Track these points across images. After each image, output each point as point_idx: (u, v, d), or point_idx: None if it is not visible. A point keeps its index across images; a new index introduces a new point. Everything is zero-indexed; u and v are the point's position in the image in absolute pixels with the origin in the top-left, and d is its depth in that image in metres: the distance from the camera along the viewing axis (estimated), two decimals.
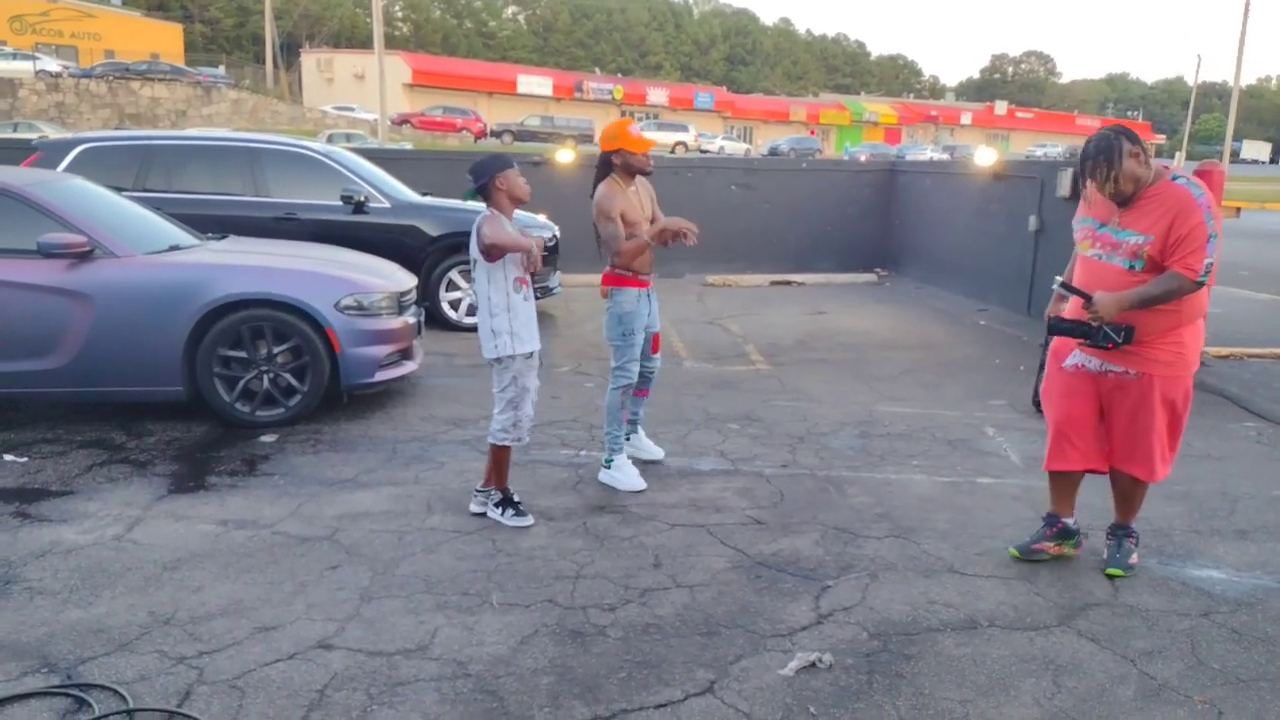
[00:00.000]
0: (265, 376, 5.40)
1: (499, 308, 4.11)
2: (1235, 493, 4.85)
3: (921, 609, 3.52)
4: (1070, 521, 3.98)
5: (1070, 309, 3.74)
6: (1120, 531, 3.94)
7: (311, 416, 5.55)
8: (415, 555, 3.85)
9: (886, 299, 11.18)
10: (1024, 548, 3.98)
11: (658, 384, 6.73)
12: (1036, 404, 6.23)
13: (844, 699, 2.93)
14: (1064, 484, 3.97)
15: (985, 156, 11.29)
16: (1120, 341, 3.56)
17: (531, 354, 4.22)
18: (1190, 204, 3.41)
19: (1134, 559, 3.89)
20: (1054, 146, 63.64)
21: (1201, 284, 3.45)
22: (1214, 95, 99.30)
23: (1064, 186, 8.63)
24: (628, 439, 4.97)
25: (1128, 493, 3.90)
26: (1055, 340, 3.83)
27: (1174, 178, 3.51)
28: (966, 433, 5.78)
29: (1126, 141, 3.44)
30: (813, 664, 3.10)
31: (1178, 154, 51.40)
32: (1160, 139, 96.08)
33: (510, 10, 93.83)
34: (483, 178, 4.12)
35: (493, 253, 4.04)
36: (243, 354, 5.36)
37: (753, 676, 3.04)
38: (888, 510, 4.49)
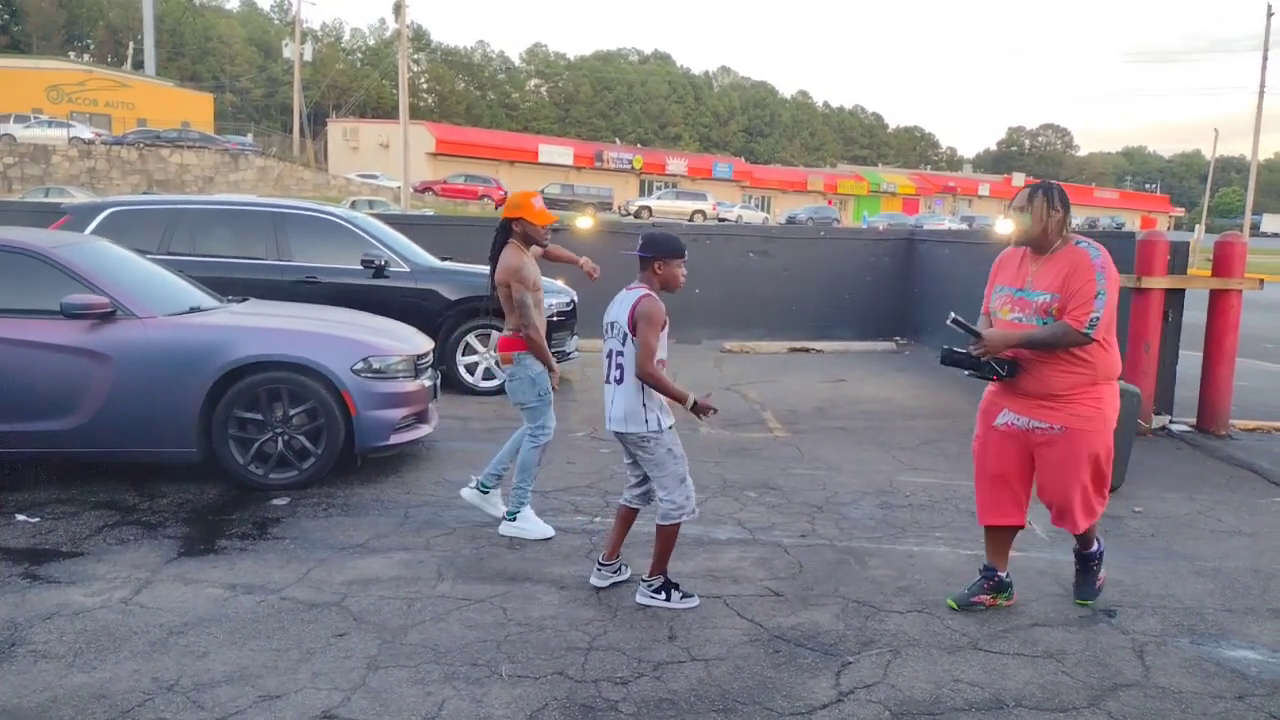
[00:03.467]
0: (280, 439, 5.39)
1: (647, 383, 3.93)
2: (1269, 570, 4.70)
3: (946, 687, 3.40)
4: (1004, 575, 4.13)
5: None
6: (1084, 559, 4.20)
7: (325, 479, 5.51)
8: (424, 623, 3.77)
9: (906, 367, 11.12)
10: (961, 599, 4.10)
11: None
12: None
13: None
14: (999, 537, 4.13)
15: (1004, 226, 11.32)
16: (1004, 375, 3.82)
17: (673, 426, 4.05)
18: (1085, 262, 3.70)
19: (1100, 580, 4.20)
20: (1074, 219, 63.99)
21: (1087, 335, 3.65)
22: (1232, 169, 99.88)
23: None
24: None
25: (1077, 537, 4.12)
26: (984, 400, 4.05)
27: (1078, 242, 3.79)
28: None
29: (1058, 196, 3.82)
30: None
31: (1197, 226, 51.41)
32: (1179, 212, 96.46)
33: (533, 83, 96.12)
34: (649, 254, 3.97)
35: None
36: (258, 416, 5.36)
37: None
38: (910, 583, 4.38)
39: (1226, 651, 3.76)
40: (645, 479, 4.12)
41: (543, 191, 45.50)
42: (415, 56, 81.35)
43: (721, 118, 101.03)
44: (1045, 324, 3.73)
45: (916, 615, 4.02)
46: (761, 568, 4.52)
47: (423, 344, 6.22)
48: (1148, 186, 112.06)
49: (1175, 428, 7.75)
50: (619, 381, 3.99)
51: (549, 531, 4.85)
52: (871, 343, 12.77)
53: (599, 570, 4.23)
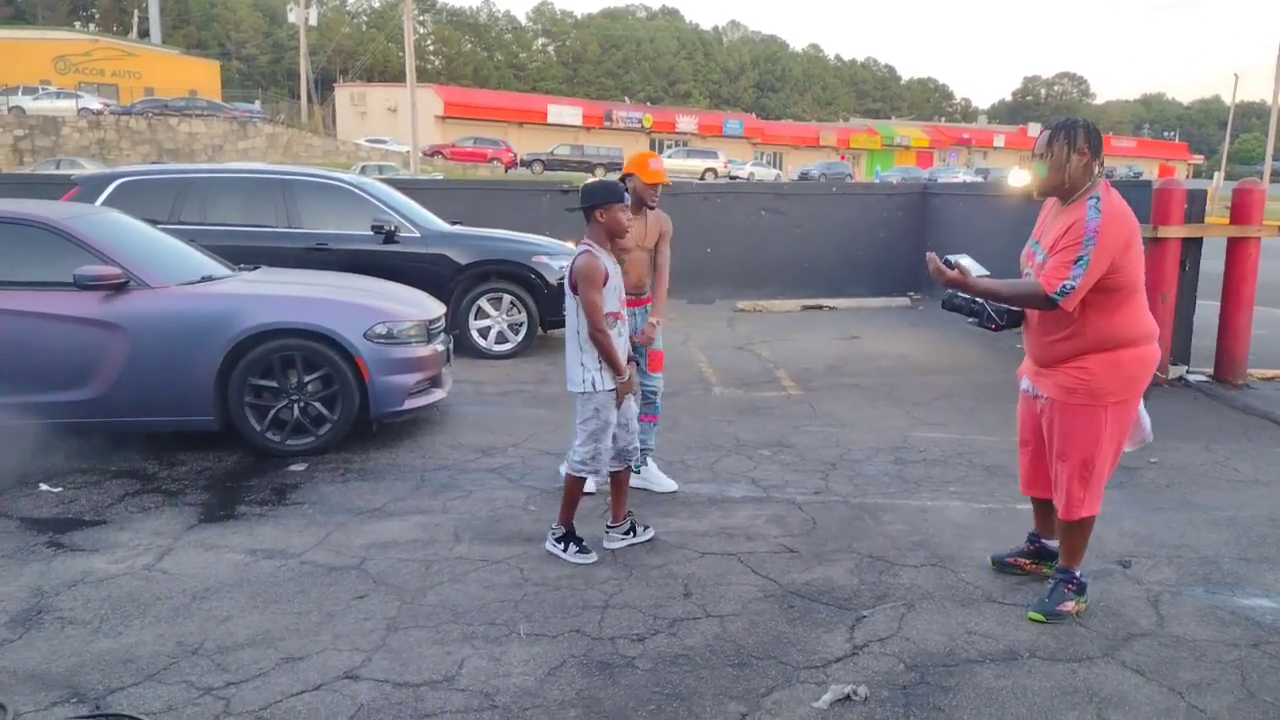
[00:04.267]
0: (295, 405, 5.43)
1: (589, 341, 3.99)
2: None
3: (959, 640, 3.42)
4: (1051, 544, 3.87)
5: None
6: (1059, 575, 3.66)
7: (341, 445, 5.56)
8: (442, 585, 3.82)
9: (920, 323, 11.06)
10: (1000, 559, 4.01)
11: (686, 410, 6.71)
12: None
13: None
14: (1039, 505, 3.93)
15: (1018, 178, 11.19)
16: (1003, 324, 3.63)
17: (614, 390, 4.06)
18: (1080, 224, 3.30)
19: (1065, 606, 3.56)
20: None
21: (1053, 301, 3.30)
22: (1253, 115, 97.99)
23: None
24: (636, 471, 4.89)
25: (1060, 530, 3.69)
26: (1021, 367, 3.80)
27: (1091, 197, 3.37)
28: (1004, 458, 5.65)
29: (1083, 136, 3.39)
30: (847, 697, 3.02)
31: (1216, 174, 50.66)
32: (1199, 159, 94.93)
33: (540, 42, 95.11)
34: (589, 204, 4.00)
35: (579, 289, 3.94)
36: (273, 383, 5.39)
37: (785, 709, 2.97)
38: (924, 538, 4.40)
39: (1241, 600, 3.77)
40: (614, 439, 4.13)
41: (553, 152, 45.28)
42: (421, 18, 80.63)
43: (731, 73, 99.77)
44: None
45: (930, 569, 4.04)
46: (776, 525, 4.54)
47: (434, 309, 6.24)
48: (1166, 134, 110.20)
49: (1192, 378, 7.70)
50: (568, 343, 4.10)
51: (672, 485, 5.00)
52: (885, 299, 12.70)
53: (608, 533, 4.27)
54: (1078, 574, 3.64)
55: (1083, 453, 3.48)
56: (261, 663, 3.21)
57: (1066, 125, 3.46)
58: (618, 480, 4.27)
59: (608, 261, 4.01)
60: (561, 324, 9.00)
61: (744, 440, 6.02)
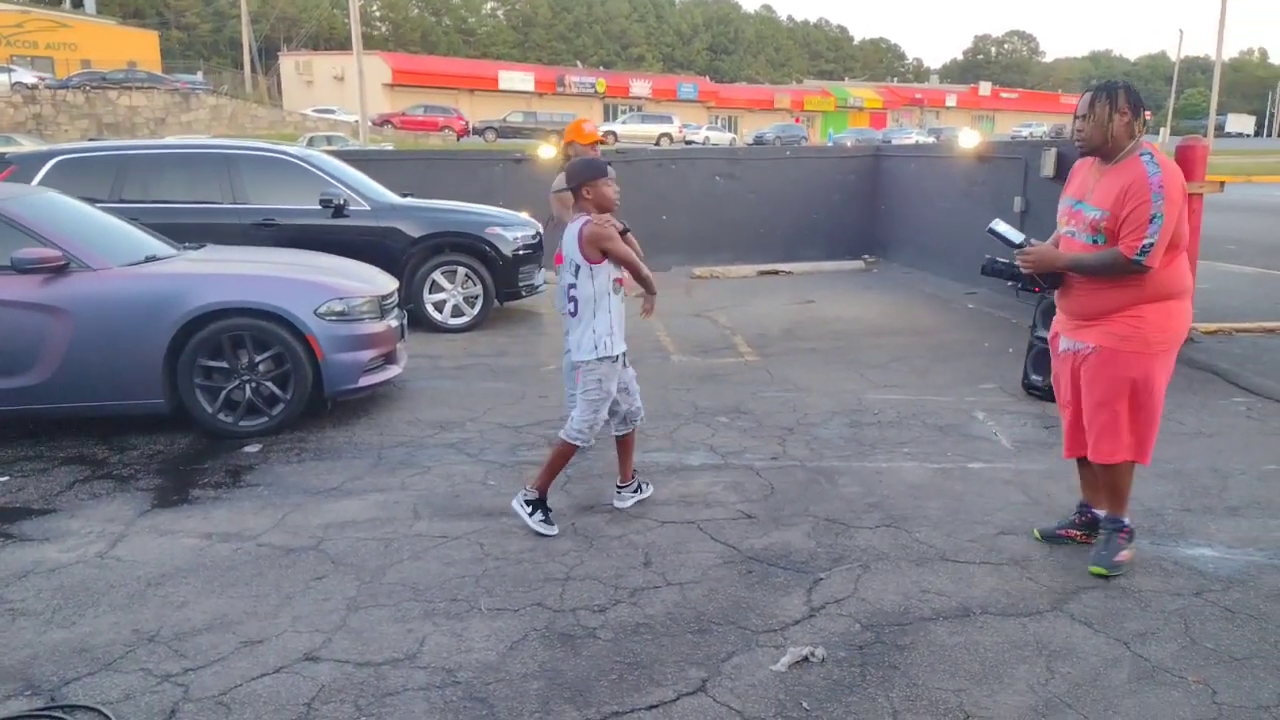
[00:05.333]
0: (247, 386, 5.35)
1: (604, 310, 4.10)
2: (1226, 469, 4.83)
3: (914, 598, 3.50)
4: (1100, 512, 3.87)
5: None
6: (1109, 525, 3.76)
7: (296, 424, 5.50)
8: (402, 562, 3.81)
9: (875, 285, 11.16)
10: (1048, 532, 3.98)
11: (644, 379, 6.68)
12: (1026, 387, 6.25)
13: (837, 693, 2.91)
14: (1084, 471, 3.93)
15: (968, 139, 11.28)
16: (1046, 286, 3.68)
17: (618, 357, 4.16)
18: (1142, 182, 3.35)
19: (1122, 556, 3.67)
20: (1039, 126, 63.71)
21: (1138, 263, 3.36)
22: (1197, 70, 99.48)
23: (1048, 166, 8.60)
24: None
25: (1101, 478, 3.76)
26: (1052, 327, 3.86)
27: (1142, 153, 3.43)
28: (957, 418, 5.76)
29: (1124, 96, 3.45)
30: (805, 658, 3.07)
31: (1162, 129, 51.56)
32: (1146, 115, 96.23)
33: (489, 6, 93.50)
34: (573, 184, 4.11)
35: (595, 256, 4.03)
36: (224, 364, 5.31)
37: (745, 674, 3.01)
38: (879, 500, 4.47)
39: (1185, 550, 3.89)
40: (617, 404, 4.26)
41: (505, 120, 44.73)
42: None
43: (685, 36, 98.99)
44: (1095, 241, 3.48)
45: (885, 530, 4.11)
46: (734, 491, 4.58)
47: (387, 284, 6.16)
48: None
49: None
50: (573, 314, 4.15)
51: None
52: (840, 262, 12.78)
53: (619, 493, 4.38)
54: (1126, 521, 3.73)
55: (1135, 400, 3.56)
56: (220, 647, 3.18)
57: (1107, 86, 3.50)
58: (623, 443, 4.38)
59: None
60: (517, 296, 9.00)
61: (702, 407, 6.05)
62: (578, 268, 4.07)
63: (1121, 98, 3.45)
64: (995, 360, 7.22)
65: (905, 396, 6.25)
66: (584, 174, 4.09)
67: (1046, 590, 3.55)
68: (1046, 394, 6.05)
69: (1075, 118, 3.56)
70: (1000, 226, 3.84)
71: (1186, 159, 7.67)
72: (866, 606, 3.44)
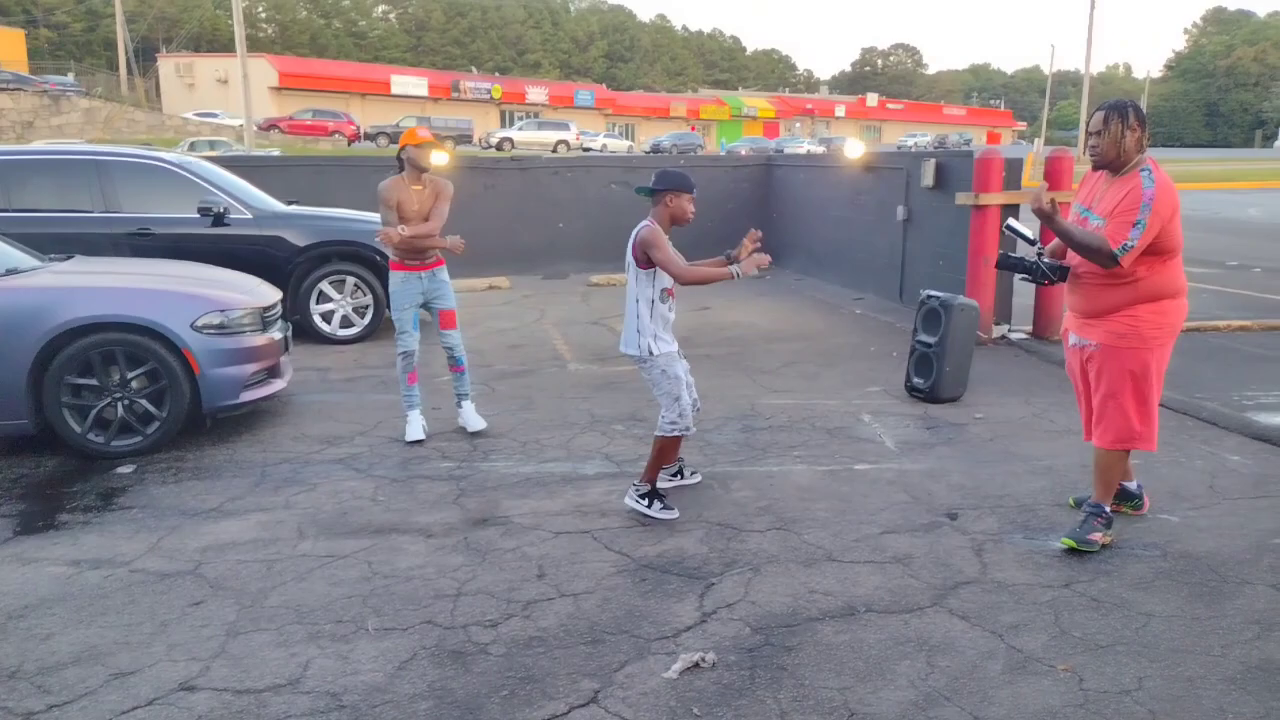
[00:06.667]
0: (120, 404, 5.11)
1: (645, 312, 4.29)
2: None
3: (802, 599, 3.57)
4: (1130, 485, 4.34)
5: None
6: (1090, 508, 4.08)
7: (173, 443, 5.28)
8: (286, 584, 3.69)
9: (768, 292, 11.37)
10: (1081, 500, 4.27)
11: (541, 389, 6.70)
12: (909, 389, 6.46)
13: (727, 697, 2.94)
14: None
15: (854, 149, 11.61)
16: (1055, 279, 4.01)
17: (674, 351, 4.40)
18: (1136, 191, 3.68)
19: (1095, 536, 3.97)
20: (924, 136, 66.10)
21: (1115, 258, 3.68)
22: (1069, 83, 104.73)
23: (928, 177, 8.93)
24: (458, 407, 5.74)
25: (1096, 464, 4.10)
26: (1063, 324, 4.19)
27: (1143, 169, 3.73)
28: (845, 421, 5.91)
29: (1133, 114, 3.75)
30: (696, 664, 3.10)
31: (1037, 140, 54.05)
32: (1022, 125, 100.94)
33: (381, 9, 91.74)
34: (660, 187, 4.25)
35: (644, 261, 4.22)
36: (94, 381, 5.05)
37: (637, 682, 3.02)
38: (770, 503, 4.55)
39: (1055, 544, 4.07)
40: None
41: (399, 125, 43.96)
42: None
43: (581, 43, 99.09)
44: None
45: (776, 533, 4.19)
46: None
47: (269, 294, 5.96)
48: (992, 102, 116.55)
49: (1014, 336, 8.23)
50: (627, 310, 4.38)
51: (417, 435, 5.52)
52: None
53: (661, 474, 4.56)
54: (1107, 508, 4.06)
55: (1138, 391, 3.90)
56: (88, 681, 3.02)
57: (1119, 106, 3.80)
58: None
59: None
60: None
61: (598, 416, 6.06)
62: (632, 267, 4.29)
63: (1132, 116, 3.75)
64: (880, 364, 7.44)
65: (796, 401, 6.38)
66: (678, 183, 4.27)
67: (926, 586, 3.67)
68: (927, 396, 6.28)
69: (1089, 134, 3.84)
70: (1015, 224, 4.23)
71: (1055, 170, 8.08)
72: (756, 609, 3.49)
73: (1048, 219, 3.84)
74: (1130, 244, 3.66)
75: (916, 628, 3.36)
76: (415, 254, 5.45)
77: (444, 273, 5.61)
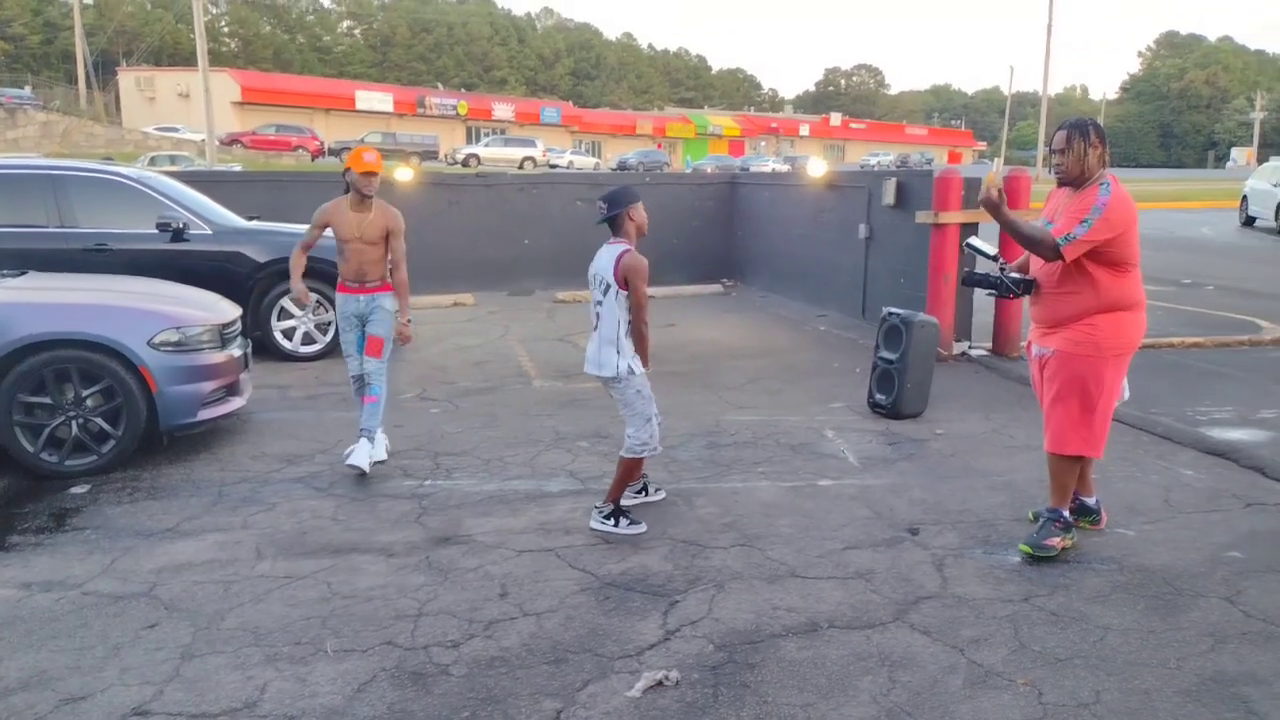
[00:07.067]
0: (74, 422, 5.01)
1: (623, 333, 4.34)
2: None
3: (765, 616, 3.57)
4: (1089, 500, 4.40)
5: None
6: (1047, 514, 4.18)
7: (129, 462, 5.18)
8: (243, 606, 3.63)
9: (733, 309, 11.43)
10: (1039, 514, 4.31)
11: (505, 405, 6.67)
12: (871, 405, 6.51)
13: (691, 714, 2.93)
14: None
15: (816, 168, 11.72)
16: (1019, 293, 4.12)
17: (644, 373, 4.45)
18: (1091, 197, 3.81)
19: (1051, 541, 4.07)
20: (886, 155, 66.91)
21: (1057, 247, 3.78)
22: (1028, 104, 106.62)
23: (889, 195, 9.03)
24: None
25: (1049, 468, 4.19)
26: (1027, 337, 4.27)
27: (1102, 183, 3.84)
28: (808, 436, 5.95)
29: (1094, 131, 3.88)
30: (659, 682, 3.09)
31: (997, 159, 55.04)
32: (982, 145, 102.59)
33: (345, 24, 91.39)
34: (616, 209, 4.31)
35: (626, 284, 4.28)
36: (47, 399, 4.95)
37: (600, 701, 3.00)
38: (734, 520, 4.56)
39: (1014, 558, 4.12)
40: None
41: (364, 140, 43.66)
42: None
43: (547, 60, 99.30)
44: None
45: (739, 549, 4.19)
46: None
47: (229, 311, 5.89)
48: (953, 122, 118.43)
49: (974, 353, 8.34)
50: (596, 329, 4.42)
51: (361, 467, 5.16)
52: (700, 286, 13.03)
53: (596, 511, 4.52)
54: (1064, 513, 4.16)
55: (1086, 398, 3.99)
56: (37, 707, 2.95)
57: (1080, 124, 3.93)
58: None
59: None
60: None
61: (563, 433, 6.04)
62: (608, 287, 4.30)
63: (1093, 133, 3.88)
64: (843, 380, 7.50)
65: (760, 417, 6.41)
66: (629, 197, 4.34)
67: (888, 602, 3.70)
68: (889, 412, 6.34)
69: (1053, 152, 3.95)
70: (975, 241, 4.33)
71: (1012, 189, 8.21)
72: (720, 626, 3.49)
73: (994, 209, 3.95)
74: (1074, 235, 3.76)
75: (878, 643, 3.37)
76: (354, 276, 5.27)
77: (386, 299, 5.32)
